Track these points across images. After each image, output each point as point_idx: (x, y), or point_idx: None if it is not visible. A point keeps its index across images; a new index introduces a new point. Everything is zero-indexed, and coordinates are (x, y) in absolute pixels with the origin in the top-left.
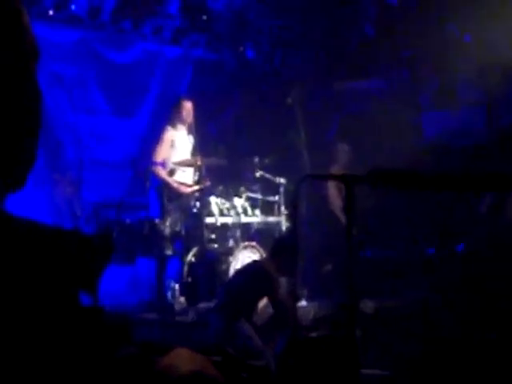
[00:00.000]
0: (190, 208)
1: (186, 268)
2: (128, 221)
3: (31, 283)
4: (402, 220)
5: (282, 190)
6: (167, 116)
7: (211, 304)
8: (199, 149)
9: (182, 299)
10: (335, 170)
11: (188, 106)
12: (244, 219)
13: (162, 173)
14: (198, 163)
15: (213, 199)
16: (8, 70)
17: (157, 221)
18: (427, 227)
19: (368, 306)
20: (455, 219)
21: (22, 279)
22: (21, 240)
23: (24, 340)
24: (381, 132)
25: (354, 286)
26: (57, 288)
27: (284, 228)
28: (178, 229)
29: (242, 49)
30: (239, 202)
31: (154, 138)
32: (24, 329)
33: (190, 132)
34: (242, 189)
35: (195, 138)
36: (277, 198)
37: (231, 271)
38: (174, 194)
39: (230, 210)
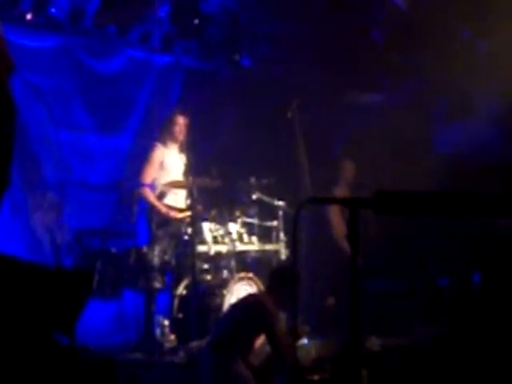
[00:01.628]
0: (181, 235)
1: (176, 302)
2: (113, 250)
3: (1, 321)
4: (411, 248)
5: (281, 214)
6: (157, 132)
7: (204, 342)
8: (192, 169)
9: (173, 337)
10: (339, 190)
11: (181, 122)
12: (239, 247)
13: (151, 196)
14: (191, 185)
15: (205, 225)
16: None
17: (145, 249)
18: (440, 255)
19: (375, 343)
20: (470, 246)
21: None
22: None
23: None
24: (390, 148)
25: (360, 322)
26: (29, 329)
27: (283, 257)
28: (167, 258)
29: (237, 56)
30: (234, 227)
31: (141, 156)
32: None
33: (181, 150)
34: (238, 213)
35: (187, 157)
36: (275, 223)
37: (225, 306)
38: (164, 220)
39: (224, 237)
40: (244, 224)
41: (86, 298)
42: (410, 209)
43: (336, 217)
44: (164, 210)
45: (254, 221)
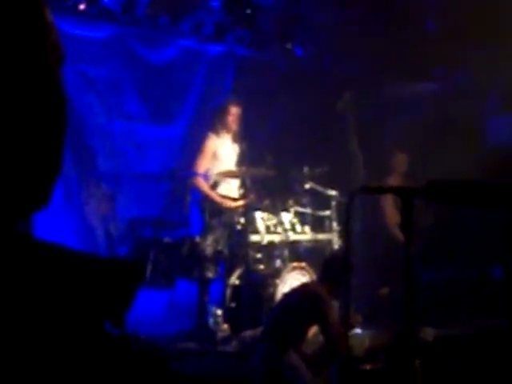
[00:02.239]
0: (234, 224)
1: (229, 292)
2: (166, 239)
3: (53, 314)
4: (466, 238)
5: (333, 203)
6: (210, 122)
7: (257, 332)
8: (245, 159)
9: (226, 326)
10: (392, 181)
11: (234, 111)
12: (292, 237)
13: (204, 185)
14: (244, 175)
15: (258, 215)
16: (29, 74)
17: (198, 239)
18: (495, 245)
19: (429, 333)
20: None
21: (44, 310)
22: (42, 269)
23: (47, 370)
24: (443, 139)
25: (414, 312)
26: (81, 319)
27: (336, 246)
28: (220, 248)
29: (290, 46)
30: (287, 217)
31: (194, 146)
32: (47, 360)
33: (234, 140)
34: (291, 203)
35: (240, 147)
36: (328, 212)
37: (278, 295)
38: (217, 209)
39: (277, 227)
40: (297, 213)
41: (137, 288)
42: (461, 198)
43: (389, 206)
44: (218, 199)
45: (307, 210)
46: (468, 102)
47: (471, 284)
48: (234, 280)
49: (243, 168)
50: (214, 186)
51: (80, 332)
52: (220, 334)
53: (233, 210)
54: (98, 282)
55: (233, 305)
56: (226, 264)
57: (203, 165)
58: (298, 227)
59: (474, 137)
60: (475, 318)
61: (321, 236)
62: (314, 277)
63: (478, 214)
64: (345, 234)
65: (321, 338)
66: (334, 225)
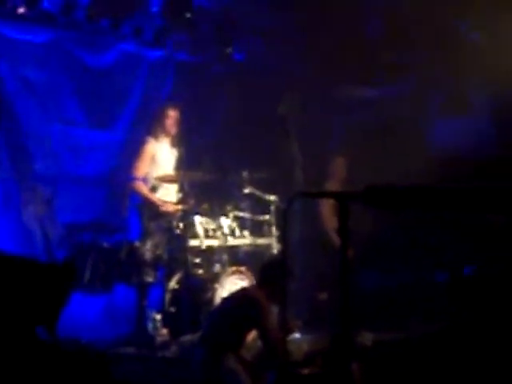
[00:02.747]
0: (173, 229)
1: (168, 296)
2: (105, 244)
3: None
4: (404, 242)
5: (273, 208)
6: (149, 126)
7: (196, 336)
8: (183, 163)
9: (165, 331)
10: (332, 185)
11: (173, 115)
12: (231, 241)
13: (144, 189)
14: (182, 179)
15: (197, 219)
16: None
17: (136, 244)
18: (432, 249)
19: (367, 338)
20: (464, 239)
21: None
22: None
23: None
24: (384, 143)
25: (351, 317)
26: (11, 324)
27: (275, 251)
28: (159, 252)
29: (229, 50)
30: (226, 222)
31: (133, 151)
32: None
33: (173, 144)
34: (230, 207)
35: (179, 151)
36: (267, 217)
37: (217, 299)
38: (156, 214)
39: (216, 231)
40: (236, 218)
41: (70, 292)
42: (399, 203)
43: (327, 211)
44: (158, 202)
45: (246, 215)
46: (410, 106)
47: (412, 288)
48: (173, 285)
49: (181, 172)
50: (153, 190)
51: (9, 337)
52: (159, 339)
53: (172, 215)
54: (28, 286)
55: (172, 309)
56: (165, 269)
57: (142, 169)
58: (237, 232)
59: (416, 141)
60: (415, 322)
61: (260, 240)
62: (254, 281)
63: (419, 218)
64: (283, 237)
65: (259, 342)
66: (273, 229)
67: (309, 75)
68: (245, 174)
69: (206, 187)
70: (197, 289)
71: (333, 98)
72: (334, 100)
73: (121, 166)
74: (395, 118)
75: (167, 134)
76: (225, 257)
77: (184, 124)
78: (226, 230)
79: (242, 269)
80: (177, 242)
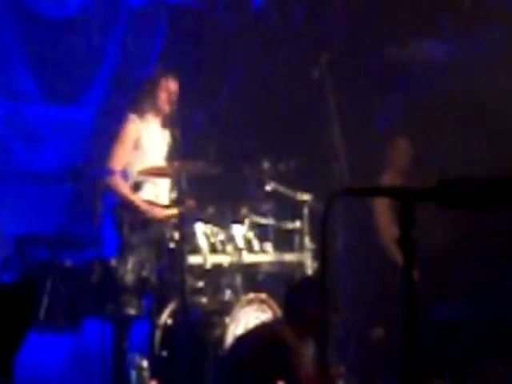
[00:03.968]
0: (165, 242)
1: (158, 335)
2: (68, 263)
3: None
4: (492, 257)
5: (306, 211)
6: (130, 101)
7: None
8: (179, 150)
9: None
10: (389, 179)
11: (170, 87)
12: (248, 258)
13: (123, 187)
14: (177, 172)
15: (199, 228)
16: None
17: (113, 262)
18: None
19: None
20: None
21: None
22: None
23: None
24: (460, 120)
25: (418, 361)
26: None
27: (310, 271)
28: (145, 274)
29: None
30: (240, 231)
31: (108, 134)
32: None
33: (165, 125)
34: (245, 211)
35: (173, 135)
36: (298, 224)
37: (229, 340)
38: (140, 221)
39: (225, 245)
40: (254, 226)
41: (27, 321)
42: (487, 204)
43: (384, 215)
44: (144, 205)
45: (269, 221)
46: (489, 69)
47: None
48: (165, 319)
49: (176, 163)
50: (136, 187)
51: None
52: None
53: (162, 222)
54: None
55: (164, 354)
56: (153, 296)
57: (121, 158)
58: (256, 244)
59: (502, 116)
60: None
61: (288, 257)
62: (279, 314)
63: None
64: (321, 253)
65: None
66: (307, 241)
67: (352, 27)
68: (266, 165)
69: (212, 183)
70: (199, 325)
71: (385, 60)
72: (386, 63)
73: (91, 155)
74: (472, 85)
75: (158, 111)
76: (238, 280)
77: (181, 97)
78: (240, 243)
79: (263, 296)
80: (170, 259)
